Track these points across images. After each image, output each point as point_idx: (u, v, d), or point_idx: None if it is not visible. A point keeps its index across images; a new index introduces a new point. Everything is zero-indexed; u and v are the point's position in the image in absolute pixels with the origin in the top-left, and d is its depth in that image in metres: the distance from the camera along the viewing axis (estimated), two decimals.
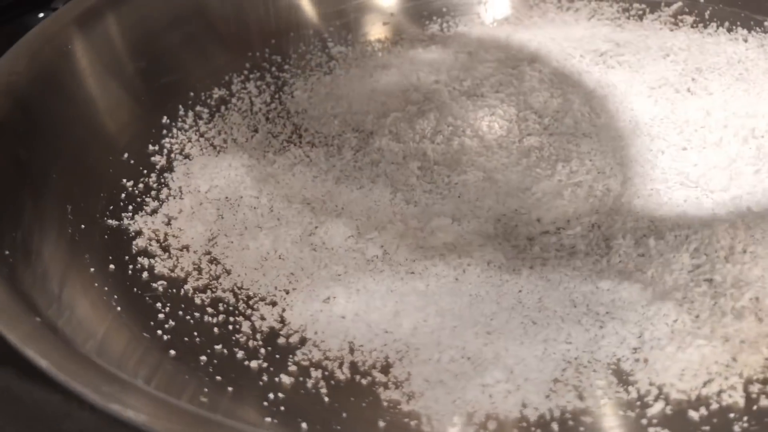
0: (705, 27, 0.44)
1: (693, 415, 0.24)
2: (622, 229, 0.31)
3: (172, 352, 0.28)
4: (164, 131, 0.39)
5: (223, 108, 0.41)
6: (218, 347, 0.28)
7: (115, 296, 0.30)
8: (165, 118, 0.40)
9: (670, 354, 0.26)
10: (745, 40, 0.42)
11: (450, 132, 0.38)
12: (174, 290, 0.31)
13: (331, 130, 0.39)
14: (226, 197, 0.35)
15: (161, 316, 0.29)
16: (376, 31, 0.47)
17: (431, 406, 0.25)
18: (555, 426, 0.24)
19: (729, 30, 0.43)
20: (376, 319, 0.28)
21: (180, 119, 0.40)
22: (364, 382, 0.26)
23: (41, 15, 0.72)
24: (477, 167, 0.35)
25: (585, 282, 0.29)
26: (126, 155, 0.37)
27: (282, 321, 0.29)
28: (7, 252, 0.27)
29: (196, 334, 0.29)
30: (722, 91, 0.38)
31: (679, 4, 0.46)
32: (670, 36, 0.43)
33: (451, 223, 0.32)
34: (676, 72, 0.40)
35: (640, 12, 0.46)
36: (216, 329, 0.29)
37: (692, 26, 0.44)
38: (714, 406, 0.24)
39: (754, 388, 0.25)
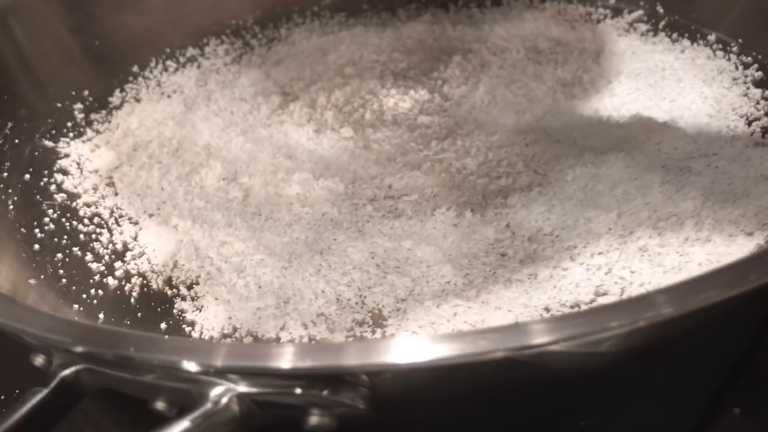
0: (654, 35, 0.44)
1: None
2: (453, 202, 0.33)
3: (37, 246, 0.33)
4: (130, 78, 0.45)
5: (188, 64, 0.47)
6: (75, 249, 0.33)
7: (15, 198, 0.35)
8: (135, 66, 0.46)
9: (426, 307, 0.28)
10: (682, 51, 0.42)
11: (358, 104, 0.41)
12: (68, 202, 0.36)
13: (263, 91, 0.43)
14: (147, 135, 0.40)
15: (46, 219, 0.35)
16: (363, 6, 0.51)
17: (209, 318, 0.29)
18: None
19: (674, 41, 0.43)
20: (204, 245, 0.32)
21: (148, 69, 0.46)
22: (169, 292, 0.30)
23: None
24: (362, 137, 0.38)
25: (391, 240, 0.31)
26: (87, 92, 0.43)
27: (135, 238, 0.33)
28: None
29: (65, 238, 0.34)
30: (625, 94, 0.39)
31: (640, 12, 0.46)
32: (612, 41, 0.44)
33: (311, 178, 0.35)
34: (596, 73, 0.41)
35: (602, 16, 0.47)
36: (82, 236, 0.34)
37: (642, 34, 0.44)
38: None
39: None
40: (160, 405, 0.21)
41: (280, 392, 0.20)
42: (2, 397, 0.30)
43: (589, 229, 0.30)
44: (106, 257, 0.33)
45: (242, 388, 0.20)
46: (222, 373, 0.19)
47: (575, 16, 0.47)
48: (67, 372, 0.21)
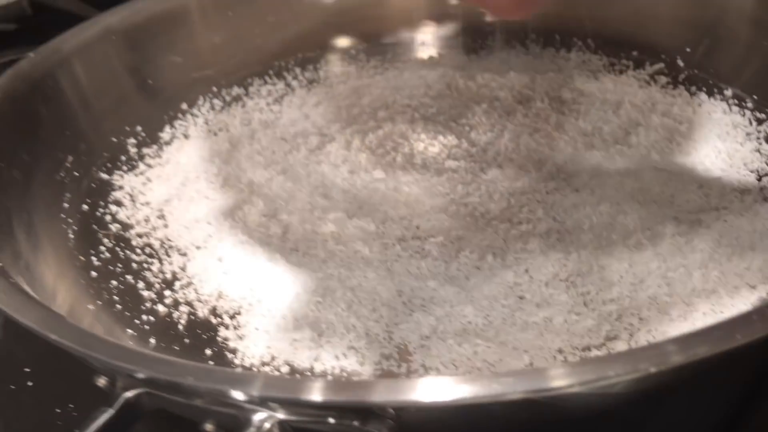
0: (674, 88, 0.46)
1: None
2: (477, 245, 0.35)
3: (93, 273, 0.36)
4: (180, 115, 0.49)
5: (233, 103, 0.50)
6: (129, 277, 0.36)
7: (74, 227, 0.39)
8: (185, 104, 0.49)
9: (449, 345, 0.30)
10: (699, 105, 0.44)
11: (390, 147, 0.44)
12: (122, 232, 0.39)
13: (303, 131, 0.46)
14: (195, 170, 0.43)
15: (102, 248, 0.38)
16: (396, 50, 0.54)
17: (249, 347, 0.32)
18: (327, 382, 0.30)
19: (692, 94, 0.45)
20: (247, 278, 0.35)
21: (196, 107, 0.49)
22: (214, 321, 0.33)
23: None
24: (393, 178, 0.41)
25: (417, 279, 0.34)
26: (139, 128, 0.46)
27: (183, 268, 0.36)
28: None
29: (119, 266, 0.37)
30: (642, 147, 0.41)
31: (661, 65, 0.48)
32: (633, 92, 0.46)
33: (345, 217, 0.38)
34: (615, 124, 0.43)
35: (624, 67, 0.49)
36: (135, 265, 0.37)
37: (662, 86, 0.47)
38: None
39: None
40: (208, 427, 0.24)
41: (315, 420, 0.22)
42: (58, 411, 0.33)
43: (603, 276, 0.32)
44: (157, 285, 0.36)
45: (282, 415, 0.22)
46: (264, 402, 0.22)
47: (599, 66, 0.50)
48: (130, 394, 0.24)
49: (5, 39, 0.69)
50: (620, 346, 0.30)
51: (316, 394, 0.21)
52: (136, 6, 0.49)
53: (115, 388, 0.24)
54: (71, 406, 0.33)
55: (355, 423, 0.22)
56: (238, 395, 0.22)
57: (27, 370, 0.36)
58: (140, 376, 0.22)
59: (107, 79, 0.46)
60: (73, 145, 0.43)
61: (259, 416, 0.22)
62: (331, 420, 0.22)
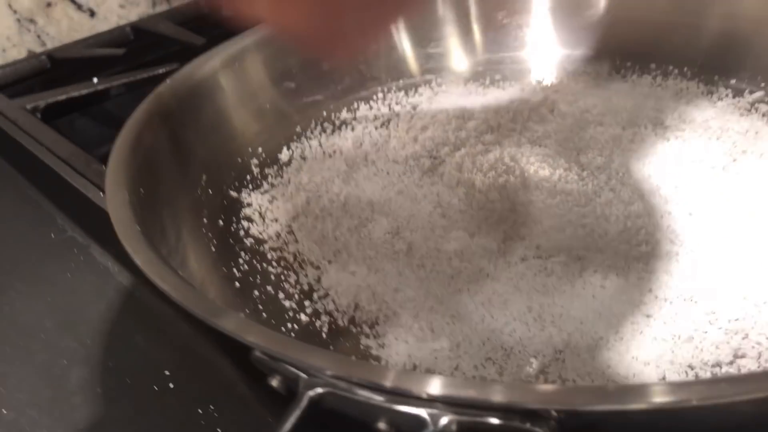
0: None
1: None
2: (599, 265, 0.37)
3: (237, 284, 0.39)
4: (295, 138, 0.52)
5: (343, 127, 0.53)
6: (269, 287, 0.39)
7: (215, 241, 0.42)
8: (299, 127, 0.52)
9: (583, 359, 0.32)
10: None
11: (502, 170, 0.46)
12: (257, 246, 0.42)
13: (413, 154, 0.49)
14: (317, 190, 0.46)
15: (240, 260, 0.41)
16: (493, 75, 0.57)
17: (392, 356, 0.34)
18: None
19: None
20: (381, 291, 0.37)
21: (309, 131, 0.52)
22: (354, 330, 0.36)
23: None
24: (508, 200, 0.43)
25: (545, 296, 0.36)
26: (260, 149, 0.50)
27: (318, 280, 0.39)
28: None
29: (258, 277, 0.40)
30: (748, 173, 0.42)
31: (761, 93, 0.50)
32: (735, 119, 0.48)
33: (466, 236, 0.40)
34: (721, 151, 0.45)
35: (724, 95, 0.51)
36: (272, 276, 0.40)
37: (764, 115, 0.48)
38: None
39: None
40: (381, 426, 0.26)
41: (484, 421, 0.25)
42: (200, 411, 0.36)
43: (727, 295, 0.34)
44: (296, 296, 0.38)
45: (459, 416, 0.24)
46: (447, 403, 0.24)
47: (697, 94, 0.51)
48: (313, 393, 0.26)
49: (114, 63, 0.73)
50: (750, 364, 0.31)
51: (496, 395, 0.23)
52: (251, 37, 0.53)
53: (297, 387, 0.26)
54: (212, 407, 0.36)
55: (527, 425, 0.24)
56: (421, 394, 0.24)
57: (167, 372, 0.39)
58: (336, 375, 0.25)
59: (231, 106, 0.50)
60: (206, 165, 0.46)
61: (440, 417, 0.24)
62: (500, 420, 0.24)
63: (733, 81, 0.51)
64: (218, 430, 0.34)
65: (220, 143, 0.48)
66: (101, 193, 0.46)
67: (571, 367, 0.32)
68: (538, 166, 0.46)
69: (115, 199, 0.35)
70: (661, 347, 0.32)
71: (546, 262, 0.38)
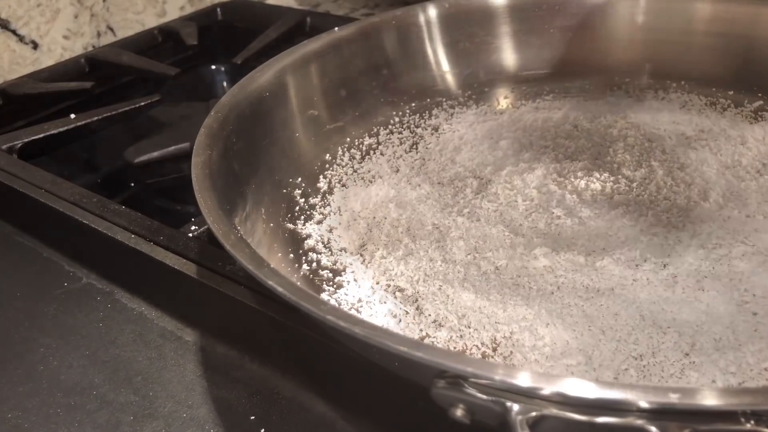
0: None
1: None
2: (686, 271, 0.39)
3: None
4: (327, 166, 0.51)
5: (371, 152, 0.52)
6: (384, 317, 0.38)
7: (294, 276, 0.40)
8: (328, 155, 0.51)
9: (713, 360, 0.33)
10: None
11: (554, 187, 0.47)
12: (335, 277, 0.41)
13: (456, 175, 0.49)
14: (374, 217, 0.45)
15: (324, 295, 0.39)
16: (504, 95, 0.58)
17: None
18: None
19: None
20: (489, 312, 0.37)
21: (338, 158, 0.51)
22: (477, 353, 0.35)
23: (213, 67, 0.88)
24: (571, 215, 0.44)
25: (650, 303, 0.37)
26: (299, 179, 0.48)
27: (419, 308, 0.38)
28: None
29: (357, 309, 0.39)
30: None
31: (761, 102, 0.54)
32: (748, 128, 0.51)
33: (551, 252, 0.41)
34: (750, 156, 0.48)
35: (725, 106, 0.55)
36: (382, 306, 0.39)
37: None
38: None
39: None
40: None
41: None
42: None
43: None
44: (414, 328, 0.37)
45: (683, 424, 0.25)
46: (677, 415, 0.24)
47: (701, 106, 0.55)
48: (522, 417, 0.26)
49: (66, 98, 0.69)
50: None
51: (714, 401, 0.24)
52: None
53: (508, 413, 0.26)
54: None
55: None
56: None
57: (252, 418, 0.37)
58: (572, 400, 0.24)
59: (271, 130, 0.48)
60: (259, 199, 0.44)
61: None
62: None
63: (731, 92, 0.55)
64: None
65: (265, 176, 0.46)
66: (124, 231, 0.44)
67: (705, 372, 0.33)
68: (587, 180, 0.47)
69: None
70: None
71: (636, 272, 0.39)
